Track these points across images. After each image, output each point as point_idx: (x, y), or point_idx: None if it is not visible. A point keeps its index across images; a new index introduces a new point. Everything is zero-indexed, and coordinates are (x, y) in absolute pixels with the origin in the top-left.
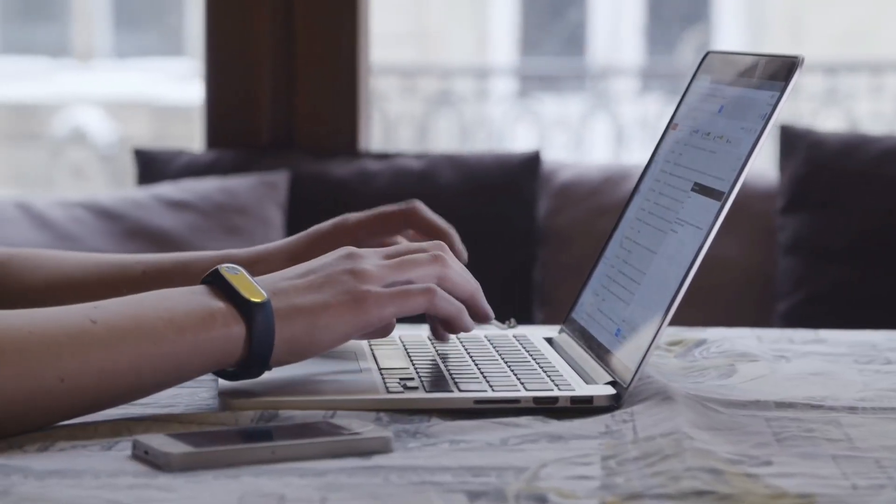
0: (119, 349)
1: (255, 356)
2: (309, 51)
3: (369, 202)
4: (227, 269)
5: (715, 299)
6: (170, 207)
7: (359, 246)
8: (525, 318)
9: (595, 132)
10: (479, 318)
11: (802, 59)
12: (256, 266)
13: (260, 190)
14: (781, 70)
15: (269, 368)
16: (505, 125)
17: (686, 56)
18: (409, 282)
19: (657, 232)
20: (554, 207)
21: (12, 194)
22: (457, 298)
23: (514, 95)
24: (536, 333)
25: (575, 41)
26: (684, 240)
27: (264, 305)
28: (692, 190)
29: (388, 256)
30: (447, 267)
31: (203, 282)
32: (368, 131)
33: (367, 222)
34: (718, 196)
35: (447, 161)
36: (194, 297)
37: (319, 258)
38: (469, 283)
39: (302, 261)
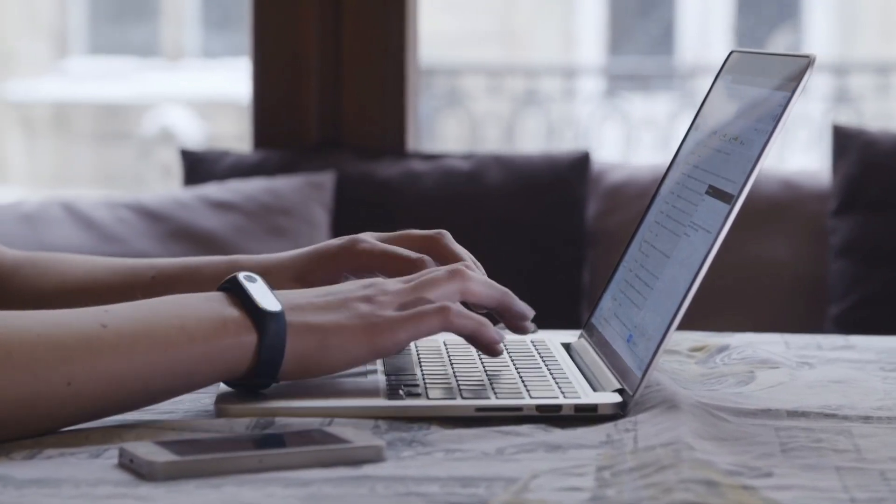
0: (129, 355)
1: (264, 366)
2: (356, 50)
3: (415, 203)
4: (244, 277)
5: (765, 303)
6: (214, 208)
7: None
8: (573, 321)
9: (683, 132)
10: (518, 319)
11: (814, 59)
12: (265, 277)
13: (305, 190)
14: (795, 70)
15: (278, 381)
16: (592, 125)
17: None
18: (426, 301)
19: (672, 236)
20: (603, 209)
21: (100, 194)
22: (486, 307)
23: (601, 95)
24: (555, 339)
25: (664, 40)
26: (696, 244)
27: (277, 316)
28: (706, 193)
29: (410, 278)
30: (467, 280)
31: (220, 288)
32: (416, 131)
33: (376, 254)
34: (729, 199)
35: (495, 161)
36: (209, 304)
37: (341, 284)
38: (494, 289)
39: (308, 276)
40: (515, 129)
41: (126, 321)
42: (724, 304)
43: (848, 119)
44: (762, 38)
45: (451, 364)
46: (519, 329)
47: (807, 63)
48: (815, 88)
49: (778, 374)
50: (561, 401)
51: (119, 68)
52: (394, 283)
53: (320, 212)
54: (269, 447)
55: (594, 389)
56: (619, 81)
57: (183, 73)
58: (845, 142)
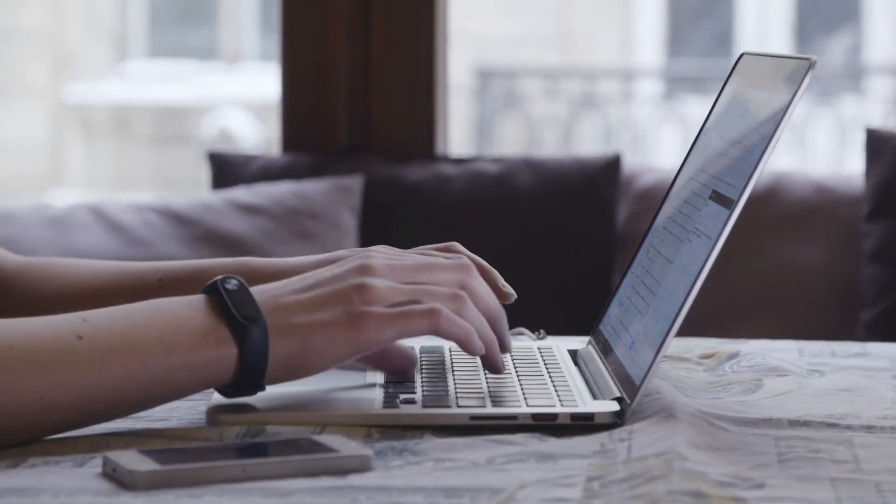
0: (104, 368)
1: (248, 376)
2: (385, 53)
3: (444, 207)
4: (225, 283)
5: (795, 309)
6: (242, 212)
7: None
8: None
9: None
10: (500, 348)
11: (814, 62)
12: (274, 281)
13: (333, 194)
14: (796, 72)
15: (264, 389)
16: (649, 127)
17: (835, 57)
18: (418, 302)
19: (676, 241)
20: (633, 212)
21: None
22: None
23: (659, 97)
24: (563, 345)
25: (722, 42)
26: (696, 250)
27: (258, 325)
28: (709, 198)
29: (408, 279)
30: (464, 306)
31: (203, 291)
32: (446, 134)
33: None
34: (729, 204)
35: (525, 165)
36: (188, 312)
37: (333, 266)
38: (481, 322)
39: None
40: (573, 131)
41: (102, 331)
42: (754, 309)
43: None
44: (821, 40)
45: (453, 371)
46: (489, 361)
47: (807, 66)
48: (874, 91)
49: (786, 382)
50: (557, 409)
51: (178, 71)
52: (389, 273)
53: (348, 216)
54: (254, 456)
55: (595, 398)
56: (677, 84)
57: (241, 76)
58: (878, 145)
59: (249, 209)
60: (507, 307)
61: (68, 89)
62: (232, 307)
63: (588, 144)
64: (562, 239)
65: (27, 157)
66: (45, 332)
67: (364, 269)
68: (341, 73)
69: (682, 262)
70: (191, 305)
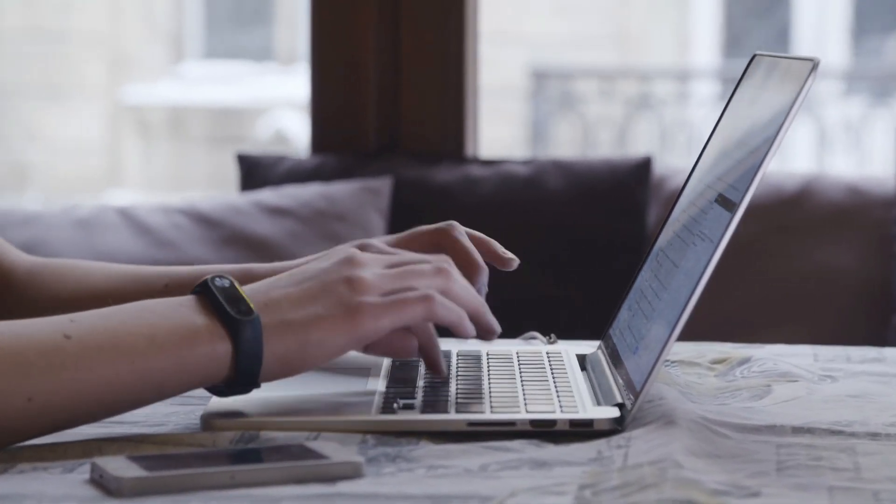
0: (93, 367)
1: (243, 374)
2: (415, 54)
3: (473, 209)
4: (216, 281)
5: (826, 313)
6: (269, 214)
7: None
8: None
9: (798, 135)
10: (485, 332)
11: (817, 62)
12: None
13: (361, 196)
14: (799, 74)
15: (259, 385)
16: (706, 128)
17: (893, 58)
18: (409, 289)
19: (683, 245)
20: (664, 215)
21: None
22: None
23: (715, 98)
24: (573, 350)
25: (779, 42)
26: (700, 254)
27: (252, 322)
28: (715, 201)
29: (391, 265)
30: (450, 280)
31: (193, 292)
32: (476, 136)
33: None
34: (732, 207)
35: (555, 167)
36: (179, 311)
37: (319, 261)
38: (473, 296)
39: None
40: (628, 133)
41: (91, 331)
42: (784, 314)
43: None
44: (879, 41)
45: (457, 376)
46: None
47: (811, 67)
48: None
49: (795, 388)
50: (556, 416)
51: (233, 72)
52: (376, 264)
53: (376, 218)
54: (243, 463)
55: (599, 404)
56: (734, 84)
57: (296, 78)
58: None
59: (277, 211)
60: (535, 312)
61: (125, 90)
62: (224, 304)
63: (643, 146)
64: (591, 242)
65: (85, 158)
66: (32, 332)
67: (350, 261)
68: (371, 74)
69: (686, 266)
70: (182, 304)
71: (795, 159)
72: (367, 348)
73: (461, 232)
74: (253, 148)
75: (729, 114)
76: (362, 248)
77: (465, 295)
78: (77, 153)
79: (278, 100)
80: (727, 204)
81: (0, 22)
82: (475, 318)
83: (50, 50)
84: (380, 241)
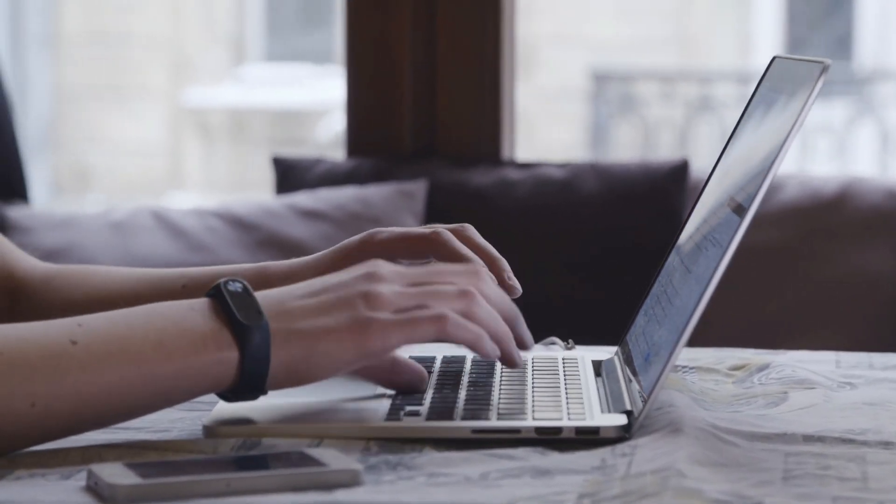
0: (99, 372)
1: (249, 380)
2: (451, 57)
3: (508, 212)
4: (229, 285)
5: (860, 319)
6: (303, 217)
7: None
8: None
9: (860, 138)
10: (519, 346)
11: (828, 65)
12: (289, 282)
13: (396, 199)
14: (810, 77)
15: (265, 392)
16: None
17: None
18: (425, 308)
19: (696, 250)
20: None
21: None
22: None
23: None
24: (589, 356)
25: (842, 44)
26: (710, 260)
27: (261, 328)
28: (728, 206)
29: (416, 281)
30: (473, 302)
31: (207, 295)
32: (512, 138)
33: (391, 243)
34: (742, 212)
35: (591, 170)
36: (189, 315)
37: (341, 273)
38: (502, 312)
39: None
40: (689, 135)
41: (98, 336)
42: (821, 319)
43: None
44: None
45: (468, 383)
46: (505, 357)
47: (820, 69)
48: None
49: (812, 395)
50: (561, 423)
51: (294, 75)
52: (398, 280)
53: (411, 221)
54: (240, 470)
55: (608, 411)
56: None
57: None
58: None
59: (311, 214)
60: (570, 316)
61: (186, 93)
62: (234, 310)
63: (704, 148)
64: (628, 246)
65: (146, 160)
66: (38, 336)
67: (371, 276)
68: (406, 76)
69: (697, 271)
70: (192, 308)
71: (858, 162)
72: (375, 375)
73: (475, 233)
74: (314, 150)
75: (747, 118)
76: (372, 237)
77: (486, 316)
78: (139, 155)
79: (339, 102)
80: (739, 209)
81: (64, 26)
82: (498, 339)
83: (112, 53)
84: (390, 231)
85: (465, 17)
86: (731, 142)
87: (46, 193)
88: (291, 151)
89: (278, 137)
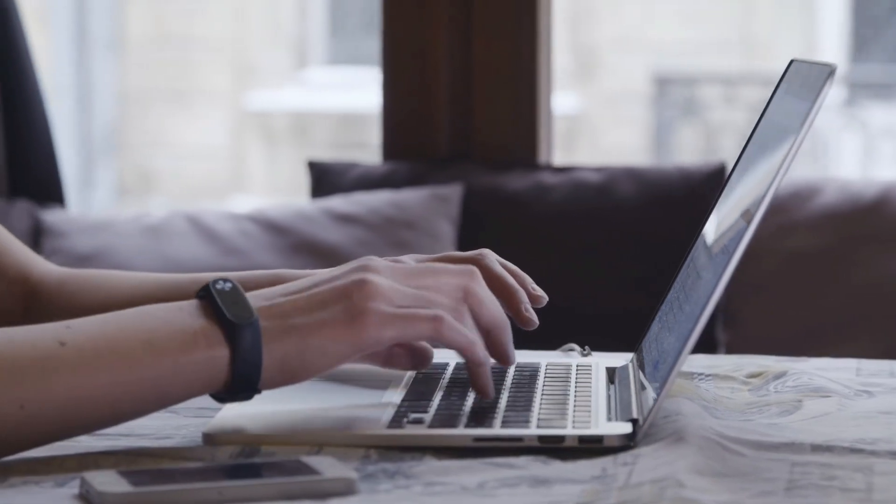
0: (89, 374)
1: (241, 380)
2: (487, 60)
3: (544, 216)
4: (217, 284)
5: (893, 327)
6: (338, 221)
7: None
8: (707, 341)
9: None
10: (499, 356)
11: (834, 69)
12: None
13: (431, 203)
14: (817, 80)
15: (259, 391)
16: (830, 134)
17: None
18: (423, 306)
19: (709, 256)
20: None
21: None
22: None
23: (840, 103)
24: (604, 362)
25: None
26: (718, 266)
27: (251, 326)
28: (737, 211)
29: (411, 275)
30: (462, 316)
31: (196, 296)
32: (549, 142)
33: None
34: (749, 217)
35: (627, 174)
36: (179, 315)
37: (333, 269)
38: (493, 321)
39: None
40: None
41: (88, 337)
42: (857, 327)
43: None
44: None
45: (473, 392)
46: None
47: (827, 73)
48: None
49: (827, 403)
50: (564, 431)
51: (357, 78)
52: (395, 274)
53: (446, 225)
54: (234, 478)
55: (615, 419)
56: (860, 90)
57: None
58: None
59: (346, 218)
60: (605, 322)
61: (249, 96)
62: (223, 308)
63: None
64: (664, 250)
65: (209, 163)
66: (26, 338)
67: (365, 268)
68: (442, 80)
69: (706, 277)
70: (181, 309)
71: None
72: (372, 357)
73: (493, 260)
74: (375, 153)
75: (763, 122)
76: (395, 260)
77: (486, 319)
78: (202, 158)
79: None
80: (746, 215)
81: (128, 29)
82: (491, 344)
83: (176, 56)
84: (410, 259)
85: (501, 20)
86: (746, 147)
87: (111, 196)
88: (354, 156)
89: (341, 141)
